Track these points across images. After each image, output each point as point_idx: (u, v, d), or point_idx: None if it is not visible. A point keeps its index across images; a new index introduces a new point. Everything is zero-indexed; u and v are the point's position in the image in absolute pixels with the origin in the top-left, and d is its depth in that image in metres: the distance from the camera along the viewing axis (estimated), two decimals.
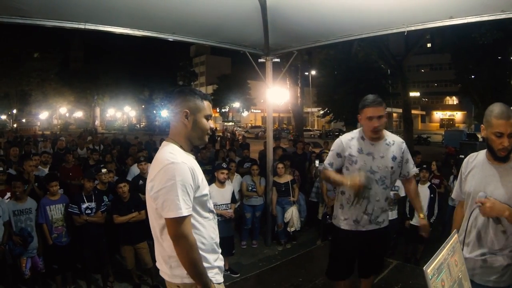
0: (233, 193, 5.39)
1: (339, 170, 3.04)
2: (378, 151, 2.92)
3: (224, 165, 5.50)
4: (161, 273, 1.95)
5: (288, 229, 6.26)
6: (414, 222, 5.46)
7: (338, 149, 3.03)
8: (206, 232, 1.89)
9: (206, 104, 1.96)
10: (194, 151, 2.07)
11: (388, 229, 3.19)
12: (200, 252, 1.80)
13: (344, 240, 3.10)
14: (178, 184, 1.70)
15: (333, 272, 3.24)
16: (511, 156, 2.12)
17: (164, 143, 1.93)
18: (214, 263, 1.92)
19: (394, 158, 2.94)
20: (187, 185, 1.74)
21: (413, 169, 3.09)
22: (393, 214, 5.79)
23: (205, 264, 1.83)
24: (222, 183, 5.25)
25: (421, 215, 3.08)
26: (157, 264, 1.97)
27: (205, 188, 1.89)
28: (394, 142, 2.98)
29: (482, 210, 2.06)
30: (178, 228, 1.71)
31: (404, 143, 3.05)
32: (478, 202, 2.08)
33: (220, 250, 1.99)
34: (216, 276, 1.91)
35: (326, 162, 3.15)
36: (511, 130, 2.04)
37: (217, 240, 1.96)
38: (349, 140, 3.00)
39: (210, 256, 1.90)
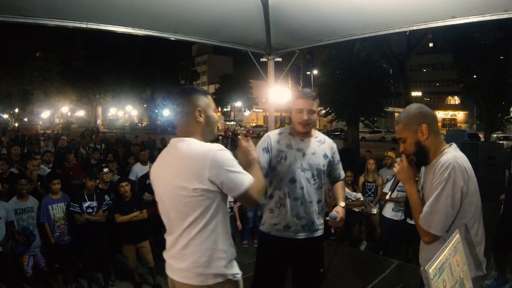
0: None
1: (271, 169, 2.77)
2: (308, 147, 2.74)
3: None
4: (185, 279, 1.87)
5: None
6: (413, 222, 5.45)
7: (264, 144, 2.77)
8: (228, 224, 2.00)
9: (210, 98, 2.07)
10: None
11: (322, 241, 2.88)
12: (231, 242, 1.98)
13: (273, 249, 2.82)
14: (234, 164, 1.85)
15: (258, 286, 2.86)
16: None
17: (179, 139, 1.94)
18: (234, 253, 2.01)
19: (325, 156, 2.78)
20: (235, 162, 1.88)
21: (343, 172, 3.00)
22: (401, 215, 5.79)
23: (230, 257, 1.95)
24: None
25: (342, 204, 2.81)
26: (182, 267, 1.89)
27: None
28: (325, 140, 2.86)
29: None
30: (253, 191, 1.86)
31: (335, 144, 2.92)
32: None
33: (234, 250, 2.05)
34: (239, 272, 2.01)
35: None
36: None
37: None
38: (278, 135, 2.82)
39: (233, 249, 1.99)
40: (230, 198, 2.00)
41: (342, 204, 2.80)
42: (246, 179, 1.84)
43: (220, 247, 1.88)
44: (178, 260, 1.90)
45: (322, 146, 2.80)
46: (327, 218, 2.71)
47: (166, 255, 2.01)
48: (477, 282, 1.95)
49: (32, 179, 5.32)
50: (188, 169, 1.82)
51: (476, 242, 1.98)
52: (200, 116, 1.97)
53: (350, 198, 6.02)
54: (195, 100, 1.98)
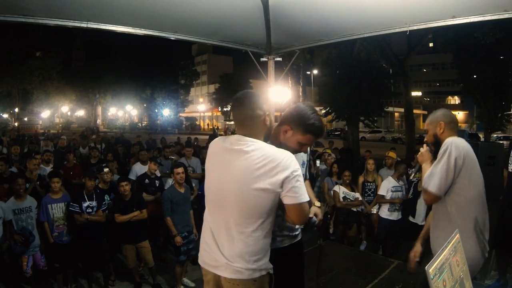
0: None
1: None
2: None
3: None
4: (232, 274, 1.93)
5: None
6: (414, 220, 5.46)
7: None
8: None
9: (267, 100, 2.22)
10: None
11: (303, 242, 2.82)
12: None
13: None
14: (300, 174, 1.97)
15: None
16: None
17: (247, 139, 2.02)
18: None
19: (303, 164, 2.64)
20: (301, 173, 2.02)
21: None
22: (398, 215, 5.81)
23: (269, 252, 2.04)
24: None
25: (317, 204, 2.67)
26: (236, 264, 1.94)
27: None
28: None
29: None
30: (304, 207, 1.98)
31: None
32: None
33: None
34: (271, 266, 2.05)
35: None
36: None
37: None
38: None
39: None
40: None
41: (317, 204, 2.67)
42: (304, 193, 1.97)
43: (265, 246, 2.01)
44: (236, 260, 1.95)
45: (300, 154, 2.61)
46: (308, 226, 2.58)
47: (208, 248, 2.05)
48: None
49: (32, 179, 5.32)
50: (264, 171, 1.91)
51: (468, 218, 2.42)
52: (267, 119, 2.12)
53: (349, 198, 6.02)
54: (263, 104, 2.12)
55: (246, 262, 1.92)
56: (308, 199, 1.99)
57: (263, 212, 1.94)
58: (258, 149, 1.96)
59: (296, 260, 2.72)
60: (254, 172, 1.91)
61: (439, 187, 2.38)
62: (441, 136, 2.57)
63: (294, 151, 2.30)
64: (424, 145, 2.72)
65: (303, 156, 2.68)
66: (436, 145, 2.60)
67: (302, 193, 1.95)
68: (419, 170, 2.96)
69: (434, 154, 2.59)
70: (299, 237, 2.71)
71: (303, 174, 2.54)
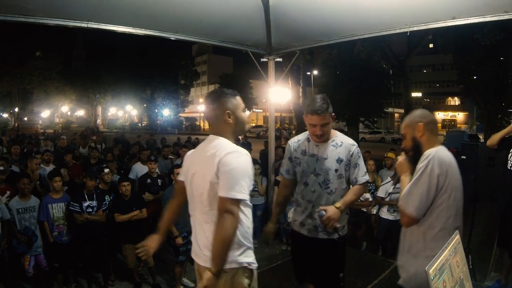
0: None
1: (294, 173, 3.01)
2: (322, 153, 2.83)
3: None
4: (203, 262, 2.08)
5: None
6: None
7: (288, 154, 3.04)
8: (249, 220, 2.16)
9: (238, 99, 2.20)
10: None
11: (342, 244, 2.90)
12: (246, 235, 2.13)
13: (293, 242, 3.17)
14: (243, 172, 1.96)
15: (295, 273, 3.14)
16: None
17: (213, 137, 2.16)
18: (253, 246, 2.22)
19: (339, 160, 2.79)
20: (249, 174, 2.01)
21: (362, 177, 2.84)
22: (397, 215, 5.81)
23: (249, 244, 2.15)
24: None
25: (337, 204, 2.72)
26: (204, 253, 2.08)
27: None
28: (342, 143, 2.83)
29: None
30: (231, 207, 1.91)
31: (356, 146, 2.85)
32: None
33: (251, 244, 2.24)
34: (255, 262, 2.20)
35: (282, 169, 3.10)
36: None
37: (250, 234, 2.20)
38: (296, 143, 3.01)
39: (251, 239, 2.19)
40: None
41: (337, 205, 2.72)
42: (243, 192, 1.94)
43: (237, 238, 2.03)
44: (204, 249, 2.10)
45: (337, 150, 2.82)
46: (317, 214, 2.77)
47: (193, 240, 2.22)
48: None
49: (33, 179, 5.33)
50: (211, 164, 2.00)
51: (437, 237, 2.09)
52: (229, 118, 2.13)
53: (359, 199, 6.00)
54: (224, 103, 2.14)
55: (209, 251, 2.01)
56: (240, 198, 1.94)
57: (215, 203, 2.00)
58: (214, 144, 2.09)
59: (327, 256, 2.85)
60: (207, 165, 2.03)
61: (418, 209, 2.08)
62: (421, 139, 2.27)
63: (313, 135, 2.81)
64: (402, 153, 2.40)
65: (340, 153, 2.82)
66: (415, 150, 2.29)
67: (234, 188, 1.92)
68: (398, 181, 2.48)
69: (414, 158, 2.28)
70: (336, 235, 2.81)
71: (336, 171, 2.82)
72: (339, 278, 2.91)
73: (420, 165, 2.11)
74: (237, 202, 1.93)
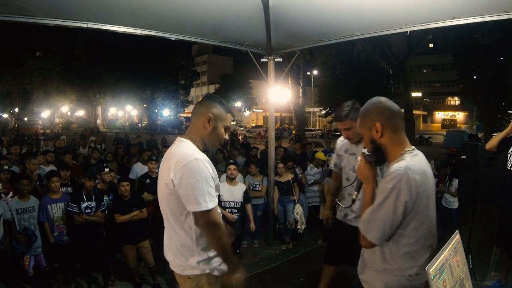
0: (246, 192, 5.38)
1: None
2: (358, 151, 3.13)
3: (231, 161, 5.53)
4: (171, 267, 2.09)
5: (299, 226, 6.26)
6: None
7: (335, 150, 3.56)
8: None
9: (229, 117, 2.15)
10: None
11: None
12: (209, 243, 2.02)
13: (336, 229, 3.50)
14: (203, 180, 1.88)
15: (326, 255, 3.56)
16: None
17: (180, 138, 2.10)
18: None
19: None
20: (209, 179, 1.93)
21: None
22: None
23: (212, 254, 2.03)
24: (232, 180, 5.28)
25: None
26: (168, 257, 2.10)
27: (218, 187, 2.07)
28: None
29: None
30: (208, 218, 1.90)
31: None
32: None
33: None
34: (222, 267, 2.08)
35: (331, 163, 3.56)
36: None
37: None
38: (341, 141, 3.47)
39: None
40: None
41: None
42: (206, 201, 1.89)
43: (196, 246, 1.99)
44: (168, 252, 2.11)
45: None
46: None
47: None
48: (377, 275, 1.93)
49: (32, 179, 5.32)
50: (168, 168, 1.96)
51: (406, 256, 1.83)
52: (208, 122, 2.06)
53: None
54: (212, 107, 2.08)
55: (173, 256, 2.05)
56: (206, 208, 1.89)
57: (173, 208, 2.00)
58: (176, 151, 2.03)
59: None
60: (165, 169, 2.00)
61: (380, 237, 1.79)
62: (382, 141, 1.89)
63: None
64: (361, 155, 2.00)
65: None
66: (377, 153, 1.93)
67: (197, 201, 1.89)
68: (360, 187, 2.17)
69: (377, 162, 1.98)
70: None
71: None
72: None
73: (385, 185, 1.76)
74: (209, 211, 1.90)
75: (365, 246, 1.91)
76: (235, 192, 5.26)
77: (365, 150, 1.99)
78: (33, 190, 5.11)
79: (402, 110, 2.05)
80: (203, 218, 1.90)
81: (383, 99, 1.93)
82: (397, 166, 1.76)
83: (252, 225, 5.68)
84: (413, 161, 1.79)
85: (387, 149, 1.90)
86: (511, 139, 3.96)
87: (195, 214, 1.91)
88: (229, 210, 5.21)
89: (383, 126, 1.85)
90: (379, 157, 1.94)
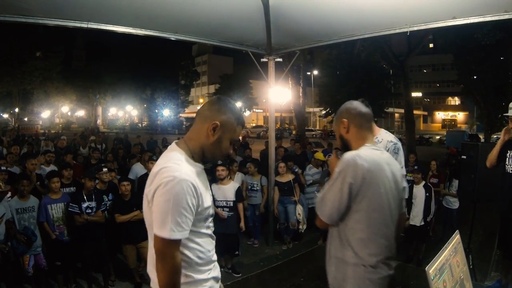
0: (238, 191, 5.35)
1: None
2: None
3: (219, 161, 5.41)
4: (152, 284, 1.75)
5: (300, 226, 6.26)
6: (411, 222, 5.50)
7: None
8: (205, 246, 1.77)
9: (238, 129, 1.80)
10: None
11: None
12: (196, 266, 1.72)
13: None
14: (174, 204, 1.56)
15: None
16: None
17: (174, 146, 1.78)
18: (209, 275, 1.79)
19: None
20: (184, 206, 1.58)
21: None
22: None
23: (198, 277, 1.73)
24: (222, 180, 5.25)
25: None
26: (151, 275, 1.75)
27: (207, 201, 1.75)
28: (382, 140, 3.10)
29: None
30: (164, 247, 1.58)
31: (393, 143, 3.08)
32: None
33: (216, 258, 1.87)
34: None
35: None
36: None
37: (213, 251, 1.84)
38: None
39: (205, 268, 1.77)
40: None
41: None
42: (171, 231, 1.55)
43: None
44: (152, 270, 1.75)
45: (377, 145, 3.03)
46: None
47: None
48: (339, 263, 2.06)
49: (32, 180, 5.33)
50: (149, 179, 1.68)
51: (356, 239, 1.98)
52: (213, 131, 1.72)
53: None
54: (221, 113, 1.73)
55: (153, 272, 1.70)
56: (167, 235, 1.55)
57: (151, 223, 1.67)
58: (165, 157, 1.73)
59: None
60: (148, 180, 1.69)
61: (330, 216, 2.00)
62: (347, 137, 2.14)
63: None
64: (333, 152, 2.38)
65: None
66: (344, 147, 2.18)
67: (161, 225, 1.56)
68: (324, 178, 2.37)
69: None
70: None
71: None
72: None
73: (336, 170, 1.99)
74: (169, 243, 1.56)
75: (319, 225, 2.13)
76: (226, 191, 5.23)
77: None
78: (33, 190, 5.12)
79: (370, 111, 2.19)
80: (159, 245, 1.58)
81: (354, 102, 2.21)
82: (348, 154, 2.00)
83: (242, 224, 5.45)
84: (364, 152, 2.01)
85: (351, 143, 2.13)
86: (509, 144, 3.92)
87: (154, 237, 1.60)
88: (221, 209, 5.20)
89: (349, 123, 2.12)
90: (345, 151, 2.11)
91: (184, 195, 1.58)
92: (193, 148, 1.76)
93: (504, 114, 4.28)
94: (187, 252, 1.69)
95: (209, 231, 1.81)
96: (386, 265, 1.99)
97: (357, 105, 2.17)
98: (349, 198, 1.93)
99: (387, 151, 2.99)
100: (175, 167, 1.62)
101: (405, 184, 2.22)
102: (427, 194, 5.54)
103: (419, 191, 5.56)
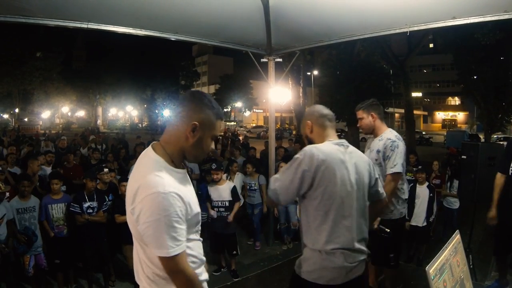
0: (234, 190, 5.34)
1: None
2: (371, 146, 3.55)
3: (214, 165, 5.41)
4: None
5: None
6: (413, 223, 5.49)
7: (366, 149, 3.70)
8: (196, 249, 1.74)
9: (218, 124, 1.69)
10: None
11: (389, 225, 3.39)
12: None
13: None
14: (165, 221, 1.47)
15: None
16: None
17: (151, 152, 1.64)
18: (202, 278, 1.76)
19: (378, 152, 3.41)
20: (176, 219, 1.50)
21: (390, 168, 3.32)
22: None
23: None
24: (218, 181, 5.25)
25: None
26: (140, 282, 1.75)
27: (195, 207, 1.67)
28: (382, 138, 3.45)
29: None
30: (172, 265, 1.53)
31: (391, 141, 3.38)
32: None
33: (205, 259, 1.83)
34: None
35: None
36: None
37: (202, 252, 1.80)
38: (368, 139, 3.78)
39: (199, 271, 1.75)
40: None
41: None
42: (168, 248, 1.49)
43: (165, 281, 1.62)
44: (141, 277, 1.76)
45: (378, 143, 3.46)
46: None
47: None
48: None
49: (34, 181, 5.34)
50: (130, 193, 1.57)
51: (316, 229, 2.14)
52: (193, 131, 1.60)
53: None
54: (199, 111, 1.62)
55: (146, 283, 1.71)
56: (169, 255, 1.49)
57: (139, 238, 1.60)
58: (144, 165, 1.61)
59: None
60: (129, 193, 1.58)
61: (278, 194, 2.19)
62: (312, 136, 2.38)
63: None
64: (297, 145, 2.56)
65: (379, 146, 3.43)
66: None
67: (158, 245, 1.49)
68: None
69: None
70: (389, 216, 3.43)
71: (376, 160, 3.36)
72: (390, 258, 3.55)
73: (295, 157, 2.19)
74: (173, 259, 1.51)
75: (268, 203, 2.54)
76: (221, 191, 5.23)
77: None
78: (34, 190, 5.13)
79: (329, 112, 2.46)
80: (165, 265, 1.54)
81: (317, 106, 2.52)
82: (308, 146, 2.23)
83: (231, 218, 5.31)
84: (323, 145, 2.22)
85: (315, 141, 2.34)
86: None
87: (159, 259, 1.53)
88: (217, 209, 5.20)
89: (312, 124, 2.37)
90: None
91: (173, 208, 1.49)
92: (172, 153, 1.63)
93: None
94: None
95: (198, 235, 1.77)
96: (343, 255, 2.09)
97: (319, 108, 2.46)
98: (300, 185, 2.11)
99: (385, 148, 3.36)
100: (156, 180, 1.51)
101: (376, 175, 2.37)
102: (431, 194, 5.54)
103: (423, 192, 5.54)
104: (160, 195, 1.47)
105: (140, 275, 1.74)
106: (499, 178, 3.97)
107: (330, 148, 2.20)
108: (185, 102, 1.66)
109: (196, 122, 1.59)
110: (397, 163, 3.29)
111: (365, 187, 2.25)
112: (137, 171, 1.62)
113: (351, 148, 2.31)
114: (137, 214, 1.51)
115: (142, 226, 1.50)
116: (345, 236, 2.10)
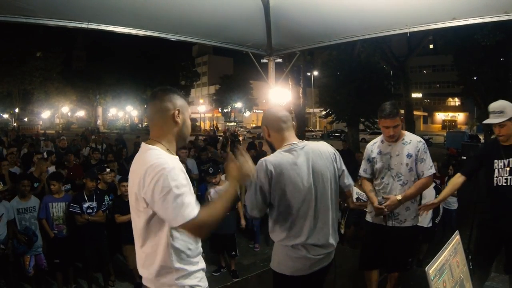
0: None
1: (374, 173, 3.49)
2: (395, 151, 3.31)
3: (211, 170, 5.42)
4: (144, 282, 1.96)
5: None
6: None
7: (365, 155, 3.56)
8: (190, 239, 1.86)
9: (186, 103, 1.98)
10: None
11: (412, 231, 3.39)
12: (188, 259, 1.84)
13: (370, 232, 3.56)
14: (175, 190, 1.64)
15: (362, 262, 3.57)
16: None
17: (146, 146, 1.85)
18: (199, 267, 1.90)
19: (409, 156, 3.24)
20: (184, 184, 1.71)
21: (428, 170, 3.24)
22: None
23: (191, 269, 1.84)
24: (218, 184, 5.26)
25: (398, 197, 3.19)
26: (142, 272, 1.98)
27: (192, 190, 1.81)
28: (410, 141, 3.29)
29: None
30: (195, 227, 1.67)
31: (422, 143, 3.28)
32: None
33: (201, 251, 1.96)
34: (201, 283, 1.89)
35: (361, 169, 3.59)
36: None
37: (200, 243, 1.94)
38: (372, 145, 3.53)
39: (195, 260, 1.89)
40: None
41: (398, 197, 3.18)
42: (185, 213, 1.64)
43: (173, 263, 1.79)
44: (141, 267, 1.99)
45: (406, 147, 3.29)
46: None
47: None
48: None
49: (42, 179, 5.37)
50: (137, 183, 1.74)
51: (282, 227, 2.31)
52: (179, 116, 1.87)
53: (362, 199, 5.94)
54: (175, 99, 1.89)
55: (148, 273, 1.92)
56: (190, 218, 1.64)
57: (141, 227, 1.85)
58: (144, 157, 1.79)
59: (399, 242, 3.30)
60: (135, 185, 1.78)
61: (251, 212, 2.32)
62: (270, 140, 2.43)
63: (387, 136, 3.33)
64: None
65: (410, 149, 3.27)
66: (271, 149, 2.47)
67: (176, 215, 1.64)
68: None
69: None
70: (407, 224, 3.33)
71: (407, 165, 3.25)
72: (408, 262, 3.45)
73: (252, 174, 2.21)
74: (194, 220, 1.64)
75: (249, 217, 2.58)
76: (219, 191, 5.26)
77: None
78: (41, 190, 5.16)
79: (288, 114, 2.45)
80: (190, 229, 1.70)
81: (272, 108, 2.59)
82: (260, 160, 2.30)
83: (243, 222, 5.49)
84: (274, 156, 2.33)
85: (274, 145, 2.42)
86: (495, 153, 3.31)
87: (181, 227, 1.68)
88: None
89: (268, 129, 2.41)
90: (273, 151, 2.43)
91: (181, 175, 1.72)
92: (166, 142, 1.88)
93: (484, 122, 3.67)
94: (178, 245, 1.80)
95: None
96: (305, 248, 2.27)
97: (274, 111, 2.48)
98: (263, 197, 2.26)
99: (418, 150, 3.23)
100: (160, 161, 1.71)
101: (342, 167, 2.49)
102: (437, 195, 5.50)
103: (429, 192, 5.49)
104: (167, 168, 1.68)
105: (140, 264, 1.99)
106: (458, 177, 3.64)
107: (280, 157, 2.29)
108: (159, 98, 1.89)
109: (178, 108, 1.87)
110: (432, 164, 3.31)
111: (330, 183, 2.36)
112: (139, 163, 1.82)
113: (308, 147, 2.35)
114: (150, 195, 1.68)
115: (158, 202, 1.66)
116: (306, 235, 2.26)
